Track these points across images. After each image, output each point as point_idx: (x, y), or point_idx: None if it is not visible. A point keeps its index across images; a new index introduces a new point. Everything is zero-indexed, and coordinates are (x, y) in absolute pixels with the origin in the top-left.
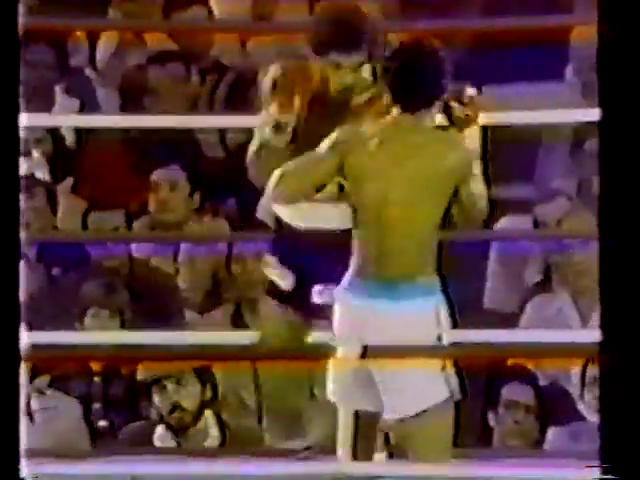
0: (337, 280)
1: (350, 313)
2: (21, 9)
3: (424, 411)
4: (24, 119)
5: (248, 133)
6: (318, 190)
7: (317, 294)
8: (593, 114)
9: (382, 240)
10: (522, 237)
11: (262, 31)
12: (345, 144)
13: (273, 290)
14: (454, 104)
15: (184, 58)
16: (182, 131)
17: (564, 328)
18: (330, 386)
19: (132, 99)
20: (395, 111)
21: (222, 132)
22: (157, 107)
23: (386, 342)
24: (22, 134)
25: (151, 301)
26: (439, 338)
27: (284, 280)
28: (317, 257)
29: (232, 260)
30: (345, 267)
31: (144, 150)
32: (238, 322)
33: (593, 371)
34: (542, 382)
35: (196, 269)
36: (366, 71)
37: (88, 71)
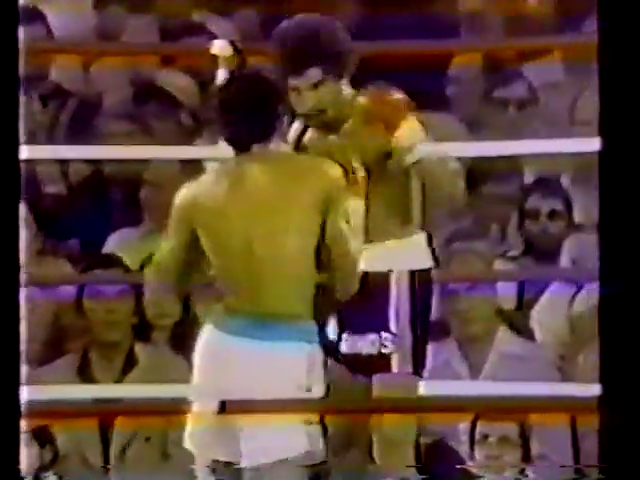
0: None
1: (214, 350)
2: None
3: (281, 462)
4: None
5: (92, 165)
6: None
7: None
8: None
9: (252, 275)
10: None
11: (108, 52)
12: (188, 209)
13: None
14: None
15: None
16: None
17: (451, 379)
18: (187, 435)
19: None
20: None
21: (64, 164)
22: None
23: (247, 384)
24: None
25: None
26: (308, 389)
27: None
28: None
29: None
30: None
31: None
32: (85, 374)
33: (483, 427)
34: (425, 440)
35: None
36: (328, 89)
37: None
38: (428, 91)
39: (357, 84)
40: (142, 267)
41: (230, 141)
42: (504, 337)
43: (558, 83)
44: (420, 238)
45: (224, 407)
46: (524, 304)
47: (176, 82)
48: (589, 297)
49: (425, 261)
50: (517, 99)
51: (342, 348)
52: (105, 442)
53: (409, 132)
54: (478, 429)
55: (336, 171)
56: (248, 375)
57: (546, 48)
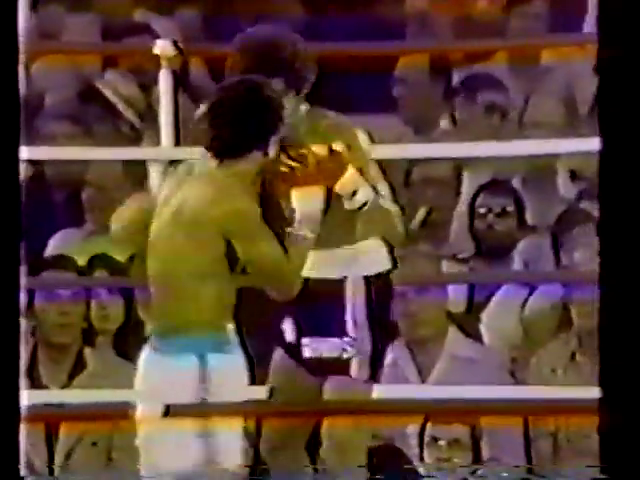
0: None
1: (141, 366)
2: None
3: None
4: None
5: (33, 166)
6: None
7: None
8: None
9: (155, 291)
10: None
11: (48, 51)
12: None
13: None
14: (282, 156)
15: None
16: None
17: (400, 382)
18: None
19: None
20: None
21: None
22: None
23: (153, 395)
24: None
25: None
26: (203, 399)
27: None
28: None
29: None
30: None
31: None
32: (32, 377)
33: (432, 430)
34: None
35: None
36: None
37: None
38: (374, 93)
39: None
40: (89, 268)
41: (210, 147)
42: (454, 340)
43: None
44: (376, 241)
45: (168, 411)
46: (474, 307)
47: (118, 84)
48: (542, 299)
49: (382, 264)
50: (467, 101)
51: (304, 352)
52: (50, 446)
53: (348, 181)
54: (427, 432)
55: (242, 202)
56: (152, 386)
57: (491, 50)
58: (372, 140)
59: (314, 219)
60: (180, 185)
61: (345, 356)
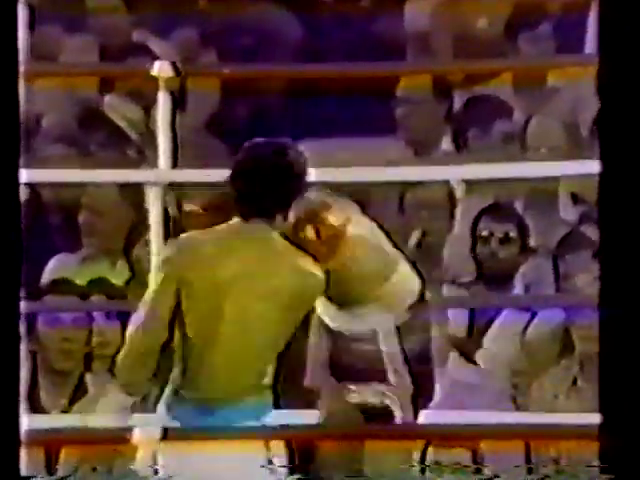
0: None
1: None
2: None
3: None
4: None
5: (29, 189)
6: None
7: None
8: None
9: (209, 358)
10: None
11: (45, 72)
12: (177, 264)
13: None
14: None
15: None
16: None
17: None
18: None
19: None
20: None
21: None
22: None
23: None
24: None
25: None
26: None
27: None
28: None
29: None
30: None
31: None
32: (32, 401)
33: (435, 455)
34: None
35: None
36: None
37: None
38: (375, 114)
39: None
40: (87, 292)
41: (238, 207)
42: (455, 365)
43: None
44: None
45: (166, 434)
46: (475, 331)
47: (120, 107)
48: (543, 324)
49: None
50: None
51: (351, 398)
52: (50, 471)
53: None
54: (429, 457)
55: (313, 270)
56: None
57: (495, 71)
58: (371, 162)
59: None
60: (233, 249)
61: (387, 402)
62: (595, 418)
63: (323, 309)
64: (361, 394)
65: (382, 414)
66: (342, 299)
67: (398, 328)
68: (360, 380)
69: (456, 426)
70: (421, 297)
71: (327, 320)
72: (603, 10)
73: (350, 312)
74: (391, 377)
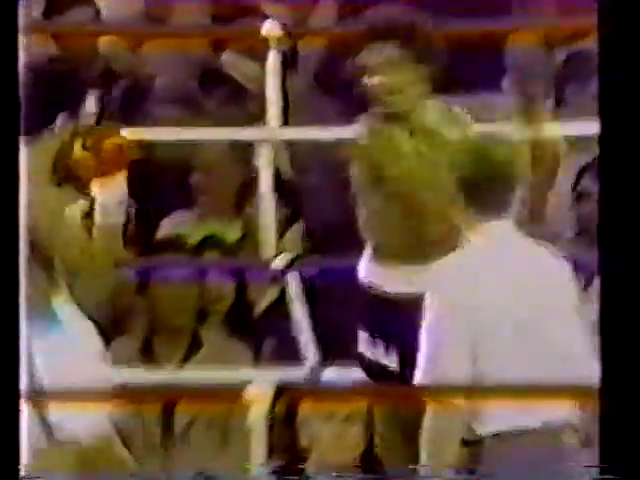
0: None
1: None
2: None
3: None
4: None
5: (145, 148)
6: None
7: None
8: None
9: None
10: None
11: (157, 35)
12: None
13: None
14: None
15: (71, 64)
16: None
17: None
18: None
19: None
20: None
21: None
22: None
23: None
24: None
25: None
26: None
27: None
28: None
29: (149, 285)
30: None
31: None
32: (147, 356)
33: None
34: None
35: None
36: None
37: None
38: (482, 71)
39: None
40: (200, 249)
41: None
42: None
43: None
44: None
45: (280, 393)
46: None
47: (239, 65)
48: None
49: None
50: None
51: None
52: (167, 425)
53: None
54: None
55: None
56: None
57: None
58: (479, 119)
59: (115, 208)
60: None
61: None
62: None
63: None
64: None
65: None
66: None
67: None
68: None
69: None
70: None
71: None
72: None
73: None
74: None
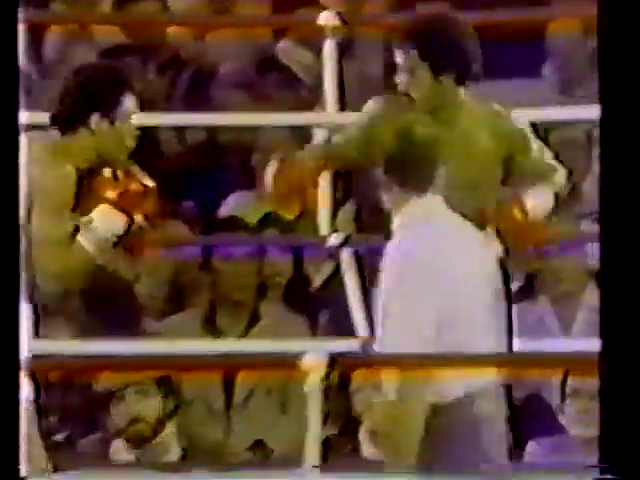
0: None
1: None
2: None
3: None
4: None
5: (209, 131)
6: None
7: None
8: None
9: None
10: None
11: (221, 24)
12: None
13: None
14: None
15: (140, 52)
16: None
17: (545, 337)
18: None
19: None
20: None
21: (181, 130)
22: None
23: None
24: None
25: (108, 308)
26: None
27: None
28: None
29: (211, 262)
30: None
31: None
32: (210, 328)
33: (573, 382)
34: (520, 394)
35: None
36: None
37: (30, 68)
38: (521, 58)
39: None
40: (260, 227)
41: None
42: (593, 294)
43: None
44: None
45: (334, 362)
46: None
47: (294, 54)
48: None
49: None
50: None
51: None
52: (228, 393)
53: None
54: (569, 384)
55: None
56: None
57: None
58: (518, 104)
59: (104, 240)
60: None
61: None
62: None
63: None
64: None
65: None
66: None
67: None
68: None
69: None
70: None
71: None
72: None
73: None
74: None
